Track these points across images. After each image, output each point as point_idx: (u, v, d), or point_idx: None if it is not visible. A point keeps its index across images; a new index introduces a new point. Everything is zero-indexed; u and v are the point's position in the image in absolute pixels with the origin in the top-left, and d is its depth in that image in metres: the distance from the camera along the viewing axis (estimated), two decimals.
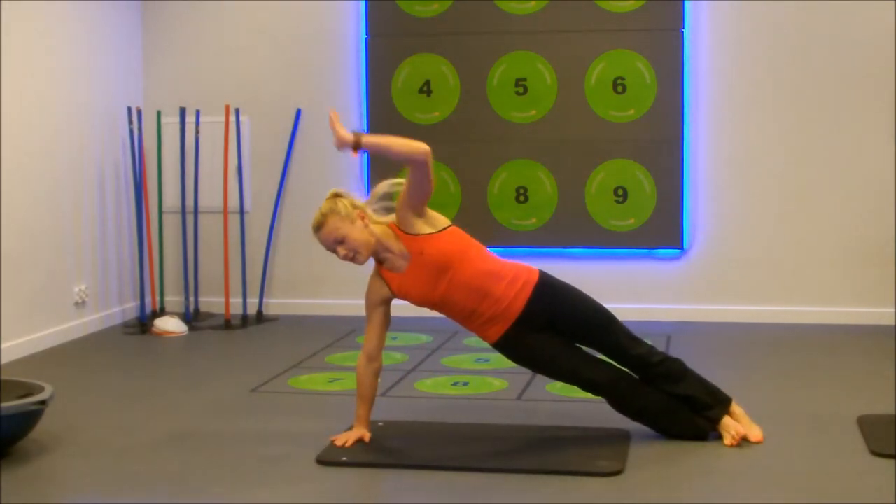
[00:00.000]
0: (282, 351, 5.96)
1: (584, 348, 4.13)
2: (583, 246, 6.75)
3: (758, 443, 4.07)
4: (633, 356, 4.08)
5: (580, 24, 6.72)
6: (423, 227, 3.96)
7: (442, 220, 4.02)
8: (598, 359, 4.13)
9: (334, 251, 3.99)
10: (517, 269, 4.05)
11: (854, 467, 3.83)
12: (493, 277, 3.98)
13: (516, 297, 3.98)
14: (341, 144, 3.84)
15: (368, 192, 6.86)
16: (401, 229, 3.99)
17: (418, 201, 3.93)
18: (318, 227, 3.97)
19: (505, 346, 4.08)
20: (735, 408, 4.15)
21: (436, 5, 6.86)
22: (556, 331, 4.06)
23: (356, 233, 3.95)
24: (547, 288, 4.03)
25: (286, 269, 7.07)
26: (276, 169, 7.05)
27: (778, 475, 3.76)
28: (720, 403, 4.12)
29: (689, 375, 4.13)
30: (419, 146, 3.83)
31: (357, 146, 3.84)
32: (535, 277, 4.04)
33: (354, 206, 3.97)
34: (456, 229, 4.04)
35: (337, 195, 4.01)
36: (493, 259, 4.07)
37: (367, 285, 4.11)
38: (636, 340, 4.10)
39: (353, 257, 3.98)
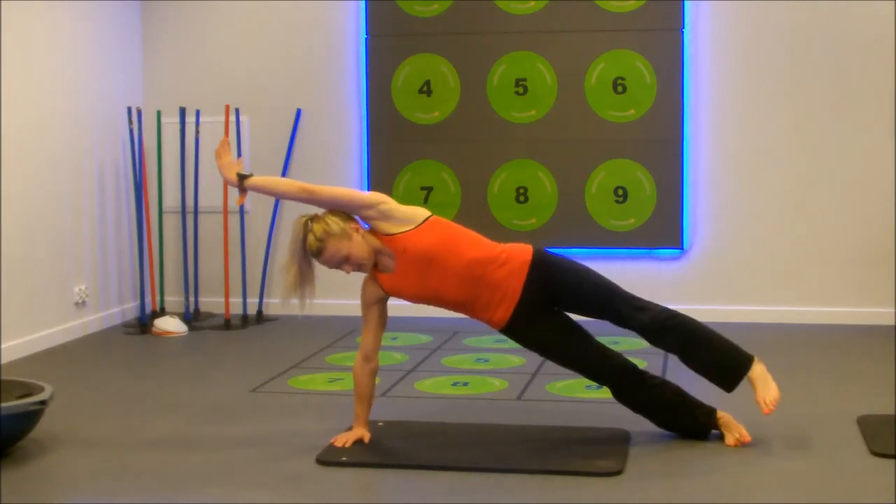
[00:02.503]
0: (282, 351, 5.96)
1: (593, 336, 4.12)
2: (583, 246, 6.75)
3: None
4: (637, 325, 4.02)
5: (580, 24, 6.73)
6: (396, 227, 3.95)
7: (419, 214, 3.99)
8: (605, 349, 4.10)
9: (339, 269, 3.97)
10: (511, 251, 4.02)
11: (854, 467, 3.84)
12: (486, 264, 3.96)
13: (513, 280, 3.96)
14: (228, 181, 4.07)
15: (369, 190, 6.93)
16: (379, 233, 3.99)
17: (361, 215, 3.98)
18: (319, 252, 3.92)
19: (511, 330, 4.07)
20: (722, 415, 4.15)
21: (436, 5, 6.86)
22: (561, 311, 4.06)
23: (356, 247, 3.92)
24: (543, 266, 4.01)
25: None
26: (276, 169, 7.04)
27: (778, 475, 3.76)
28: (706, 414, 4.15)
29: (697, 351, 4.07)
30: (292, 186, 4.00)
31: (242, 188, 4.02)
32: (530, 256, 4.01)
33: (345, 221, 3.94)
34: (437, 220, 4.01)
35: (315, 217, 3.96)
36: (485, 244, 4.04)
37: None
38: (641, 309, 4.03)
39: (360, 268, 3.98)
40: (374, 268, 4.03)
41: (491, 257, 3.98)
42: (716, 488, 3.68)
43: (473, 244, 4.02)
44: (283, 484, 3.75)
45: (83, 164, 6.51)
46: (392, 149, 6.94)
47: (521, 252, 4.03)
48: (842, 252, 6.61)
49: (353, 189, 4.14)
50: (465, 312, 4.09)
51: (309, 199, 3.99)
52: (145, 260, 6.90)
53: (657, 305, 4.07)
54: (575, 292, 4.04)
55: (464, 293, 3.98)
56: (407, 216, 3.97)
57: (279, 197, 4.05)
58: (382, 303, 4.09)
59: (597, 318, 4.09)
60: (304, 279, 3.95)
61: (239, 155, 6.99)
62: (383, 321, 4.11)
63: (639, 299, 4.07)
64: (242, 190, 4.05)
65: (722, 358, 4.06)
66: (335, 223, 3.92)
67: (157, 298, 6.95)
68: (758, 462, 3.90)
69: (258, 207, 7.11)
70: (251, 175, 4.03)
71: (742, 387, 4.27)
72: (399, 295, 4.05)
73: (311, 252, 3.94)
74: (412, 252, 3.93)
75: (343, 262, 3.94)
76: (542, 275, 3.99)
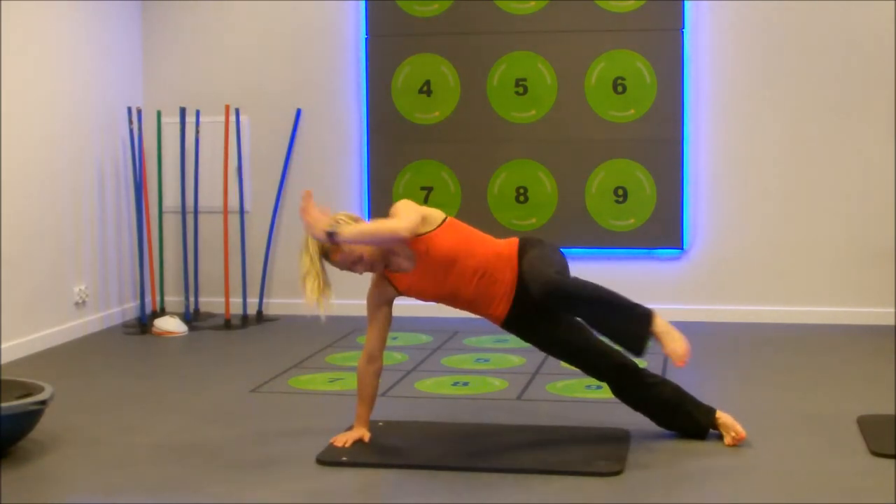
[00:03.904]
0: (282, 351, 5.96)
1: (594, 333, 4.11)
2: (583, 246, 6.75)
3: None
4: (535, 295, 3.91)
5: (580, 24, 6.72)
6: (422, 227, 3.96)
7: (436, 215, 4.01)
8: (605, 346, 4.11)
9: (351, 270, 3.97)
10: (508, 245, 4.05)
11: (854, 467, 3.84)
12: (495, 260, 3.99)
13: (510, 273, 3.98)
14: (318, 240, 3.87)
15: (369, 189, 6.94)
16: None
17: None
18: (331, 254, 3.93)
19: (511, 324, 4.08)
20: (721, 415, 4.15)
21: (436, 5, 6.86)
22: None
23: (369, 247, 3.93)
24: (522, 255, 4.01)
25: (286, 269, 7.07)
26: (276, 169, 7.05)
27: (778, 475, 3.76)
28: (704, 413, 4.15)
29: (601, 317, 3.97)
30: (394, 229, 3.83)
31: (336, 244, 3.86)
32: (516, 247, 4.04)
33: (356, 221, 3.94)
34: (453, 221, 4.04)
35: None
36: (491, 242, 4.07)
37: (368, 286, 4.10)
38: (543, 281, 3.86)
39: (372, 268, 3.98)
40: (385, 268, 4.02)
41: (497, 253, 4.01)
42: (715, 488, 3.68)
43: (484, 243, 4.05)
44: (283, 484, 3.75)
45: (83, 164, 6.51)
46: (392, 149, 6.94)
47: (513, 245, 4.06)
48: (842, 252, 6.61)
49: (412, 208, 4.00)
50: (473, 309, 4.10)
51: (396, 239, 3.87)
52: (145, 260, 6.90)
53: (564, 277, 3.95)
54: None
55: (476, 291, 3.99)
56: (429, 218, 3.99)
57: (375, 244, 3.93)
58: (390, 304, 4.09)
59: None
60: (324, 282, 3.92)
61: (239, 155, 7.00)
62: (389, 322, 4.11)
63: (557, 275, 3.92)
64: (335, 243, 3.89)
65: (625, 320, 3.94)
66: (347, 224, 3.91)
67: (157, 298, 6.94)
68: (757, 462, 3.90)
69: (258, 207, 7.11)
70: (338, 230, 3.83)
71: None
72: (414, 294, 4.06)
73: (323, 253, 3.93)
74: (435, 253, 3.93)
75: (356, 263, 3.93)
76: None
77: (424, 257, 3.96)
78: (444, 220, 4.01)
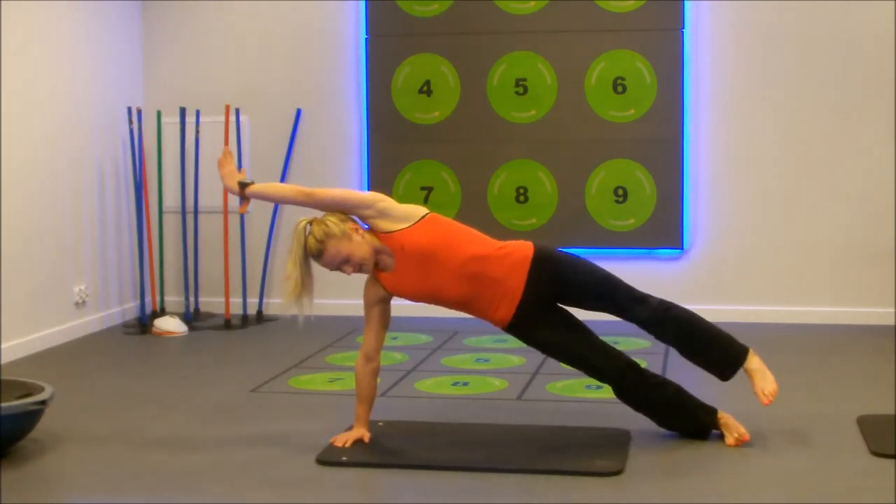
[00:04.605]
0: (282, 351, 5.96)
1: (595, 335, 4.12)
2: (583, 246, 6.74)
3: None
4: (636, 319, 4.05)
5: (580, 24, 6.73)
6: (393, 225, 3.96)
7: (416, 212, 4.00)
8: (607, 347, 4.11)
9: (340, 270, 3.97)
10: (511, 248, 4.02)
11: (854, 467, 3.84)
12: (485, 260, 3.96)
13: (515, 276, 3.96)
14: (230, 190, 4.15)
15: (369, 190, 6.93)
16: (377, 232, 3.99)
17: (359, 215, 3.99)
18: (320, 254, 3.93)
19: (516, 327, 4.06)
20: (722, 415, 4.15)
21: (436, 5, 6.86)
22: (563, 308, 4.07)
23: (357, 247, 3.93)
24: (544, 262, 4.01)
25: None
26: (276, 169, 7.04)
27: (778, 475, 3.77)
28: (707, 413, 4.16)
29: (694, 343, 4.09)
30: (292, 190, 4.11)
31: (244, 196, 4.10)
32: (531, 252, 4.01)
33: (344, 222, 3.95)
34: (434, 218, 4.01)
35: (314, 220, 3.98)
36: (485, 241, 4.04)
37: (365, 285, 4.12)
38: (640, 301, 4.04)
39: (361, 269, 3.98)
40: (376, 268, 4.03)
41: (490, 254, 3.98)
42: (716, 488, 3.68)
43: (472, 241, 4.02)
44: (283, 484, 3.75)
45: (83, 164, 6.51)
46: (392, 149, 6.95)
47: (522, 248, 4.03)
48: (842, 252, 6.61)
49: (350, 190, 4.18)
50: (467, 311, 4.09)
51: (308, 202, 4.02)
52: (145, 260, 6.90)
53: (655, 298, 4.08)
54: (576, 287, 4.04)
55: (464, 291, 3.98)
56: (404, 214, 3.98)
57: (280, 202, 4.09)
58: (385, 303, 4.08)
59: (598, 311, 4.10)
60: (304, 286, 3.96)
61: (239, 155, 7.00)
62: (385, 321, 4.11)
63: (637, 292, 4.08)
64: (244, 198, 4.09)
65: (718, 349, 4.08)
66: (334, 224, 3.93)
67: (157, 298, 6.94)
68: (758, 462, 3.90)
69: (258, 208, 7.10)
70: (252, 183, 4.08)
71: (742, 385, 4.27)
72: (400, 294, 4.05)
73: (311, 254, 3.94)
74: (410, 249, 3.94)
75: (343, 264, 3.94)
76: (543, 271, 3.99)
77: (400, 254, 3.96)
78: (423, 217, 3.99)
